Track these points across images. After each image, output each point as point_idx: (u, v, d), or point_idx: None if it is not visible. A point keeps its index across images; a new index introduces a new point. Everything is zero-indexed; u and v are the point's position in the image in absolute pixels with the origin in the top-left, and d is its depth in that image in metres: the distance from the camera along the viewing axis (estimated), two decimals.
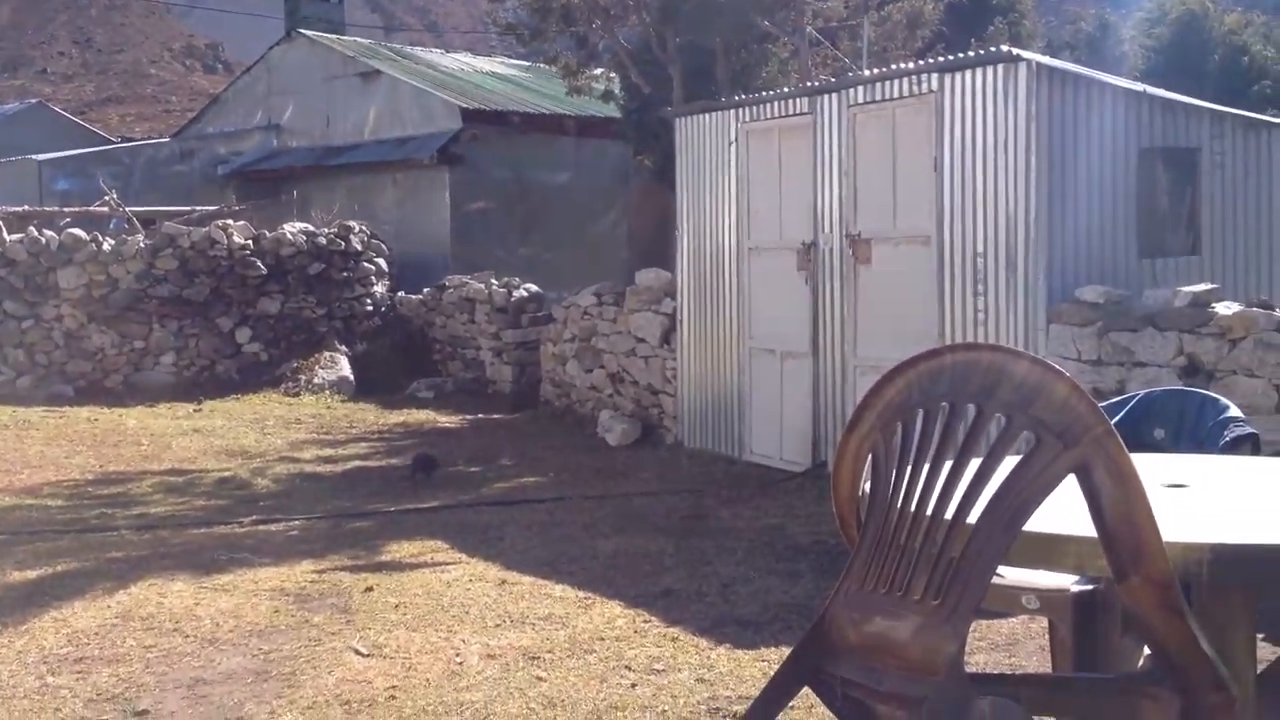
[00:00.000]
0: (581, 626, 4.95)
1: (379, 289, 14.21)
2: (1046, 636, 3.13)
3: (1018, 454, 1.97)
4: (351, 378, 12.73)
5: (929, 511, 1.99)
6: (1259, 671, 2.04)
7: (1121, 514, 1.83)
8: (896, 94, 7.61)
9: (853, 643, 2.08)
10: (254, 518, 7.12)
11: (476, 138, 16.66)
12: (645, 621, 5.02)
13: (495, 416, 11.26)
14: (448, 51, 24.51)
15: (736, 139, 8.81)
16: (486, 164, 16.63)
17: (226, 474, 8.52)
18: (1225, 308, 6.28)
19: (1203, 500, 2.30)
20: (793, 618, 5.01)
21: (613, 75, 14.92)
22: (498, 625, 4.99)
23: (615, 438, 9.70)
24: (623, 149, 15.89)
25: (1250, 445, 2.90)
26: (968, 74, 7.17)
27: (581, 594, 5.42)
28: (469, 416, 11.21)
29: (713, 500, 7.58)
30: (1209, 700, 1.79)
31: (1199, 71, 19.31)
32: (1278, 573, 1.94)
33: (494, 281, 12.91)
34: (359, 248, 14.09)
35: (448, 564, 6.03)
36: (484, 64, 22.13)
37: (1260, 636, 3.52)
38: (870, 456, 2.18)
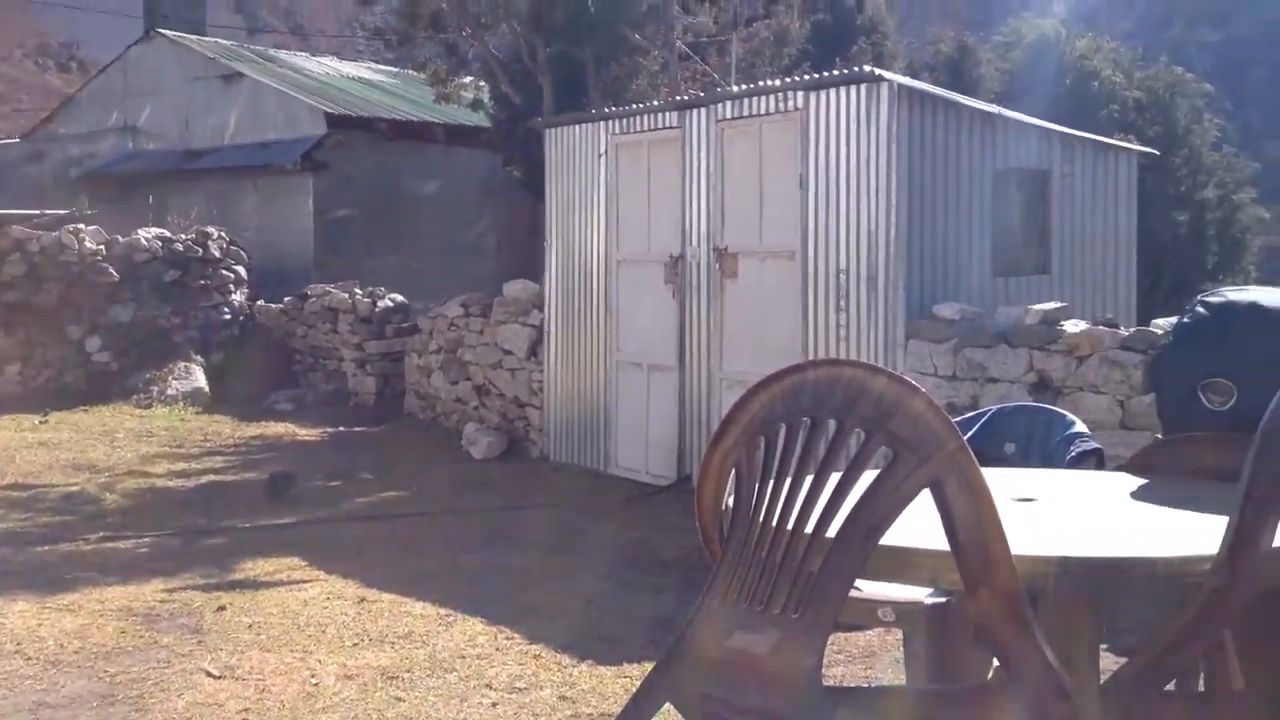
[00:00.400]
0: (442, 645, 4.88)
1: (238, 297, 13.87)
2: (902, 648, 3.18)
3: (876, 468, 1.99)
4: (207, 389, 12.39)
5: (790, 525, 2.01)
6: (1102, 681, 2.09)
7: (973, 528, 1.86)
8: (763, 110, 7.71)
9: (714, 657, 2.09)
10: (101, 534, 6.87)
11: (342, 144, 16.40)
12: (507, 639, 4.97)
13: (357, 429, 11.08)
14: (314, 55, 24.09)
15: (606, 151, 8.83)
16: (352, 171, 16.37)
17: (73, 489, 8.20)
18: (1073, 326, 6.49)
19: (1050, 514, 2.36)
20: (656, 633, 5.02)
21: (482, 84, 14.83)
22: (355, 644, 4.89)
23: (480, 451, 9.62)
24: (492, 158, 15.79)
25: (1095, 460, 2.99)
26: (832, 93, 7.30)
27: (442, 611, 5.35)
28: (330, 429, 11.00)
29: (578, 514, 7.57)
30: (1054, 710, 1.84)
31: (1052, 95, 20.01)
32: (1120, 584, 1.99)
33: (358, 291, 12.71)
34: (217, 254, 13.73)
35: (304, 582, 5.89)
36: (351, 69, 21.80)
37: (1104, 647, 3.63)
38: (734, 471, 2.19)
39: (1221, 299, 2.77)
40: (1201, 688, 2.66)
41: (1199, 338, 2.74)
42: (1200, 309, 2.78)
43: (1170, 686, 2.37)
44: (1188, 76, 26.20)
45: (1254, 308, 2.70)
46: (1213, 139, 25.96)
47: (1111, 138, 10.19)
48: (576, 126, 9.19)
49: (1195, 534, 2.06)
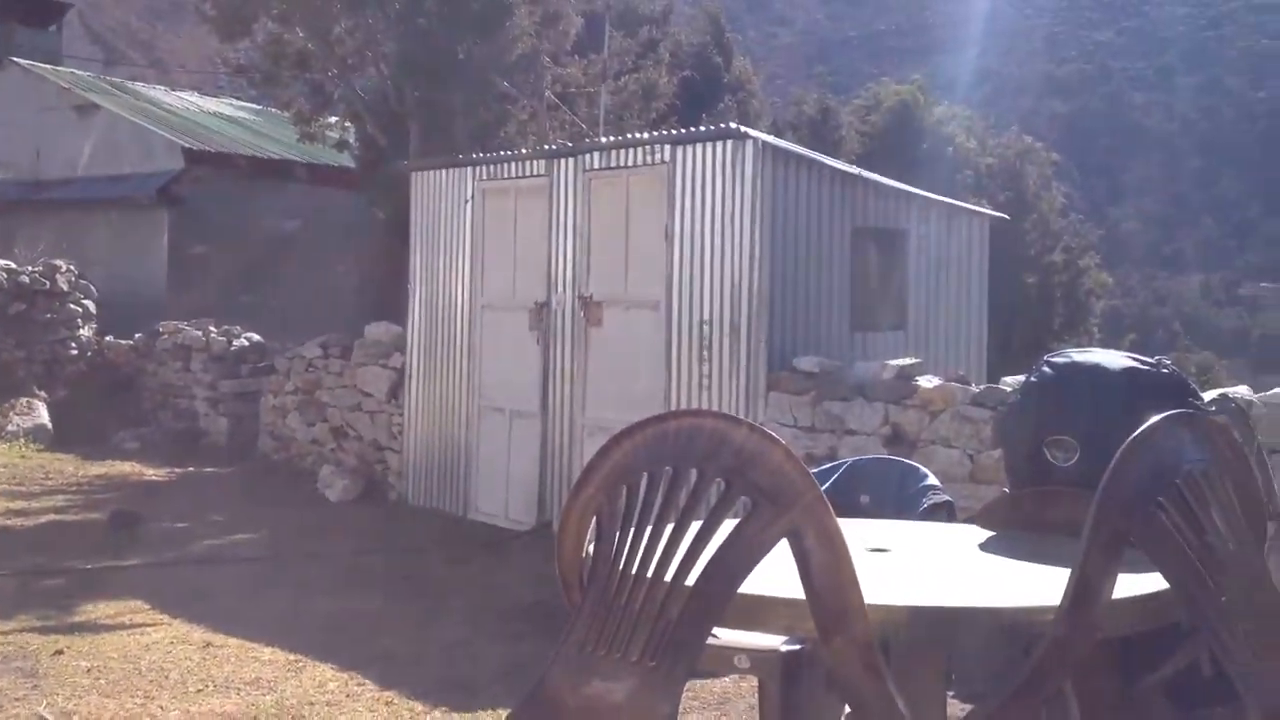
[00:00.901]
0: (290, 691, 4.76)
1: (85, 332, 13.41)
2: (756, 695, 3.21)
3: (736, 518, 2.02)
4: (50, 426, 11.92)
5: (649, 574, 2.02)
6: None
7: (828, 577, 1.90)
8: (631, 162, 7.80)
9: (570, 705, 2.08)
10: None
11: (200, 180, 16.04)
12: (359, 685, 4.87)
13: (208, 470, 10.77)
14: (173, 89, 23.55)
15: (473, 197, 8.81)
16: (210, 207, 16.00)
17: None
18: (927, 381, 6.67)
19: (902, 564, 2.42)
20: (513, 680, 4.97)
21: (348, 124, 14.70)
22: (200, 690, 4.74)
23: (336, 494, 9.44)
24: (356, 199, 15.62)
25: (946, 512, 3.07)
26: (699, 147, 7.41)
27: (292, 657, 5.22)
28: (179, 469, 10.68)
29: (435, 559, 7.47)
30: None
31: (909, 158, 20.66)
32: (967, 633, 2.05)
33: (213, 329, 12.41)
34: (65, 288, 13.27)
35: (148, 625, 5.70)
36: (212, 104, 21.38)
37: (950, 694, 3.71)
38: (595, 518, 2.19)
39: (1066, 359, 2.88)
40: None
41: (1044, 396, 2.85)
42: (1046, 368, 2.89)
43: None
44: (1037, 145, 27.30)
45: (1096, 369, 2.81)
46: (1060, 205, 27.05)
47: (965, 201, 10.54)
48: (443, 171, 9.16)
49: (1039, 585, 2.12)
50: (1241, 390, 5.77)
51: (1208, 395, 4.35)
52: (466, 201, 8.85)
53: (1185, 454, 2.12)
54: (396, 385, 9.55)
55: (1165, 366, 2.82)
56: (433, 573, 7.09)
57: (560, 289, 8.17)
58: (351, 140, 14.70)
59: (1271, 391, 5.53)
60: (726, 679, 4.81)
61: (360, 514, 8.99)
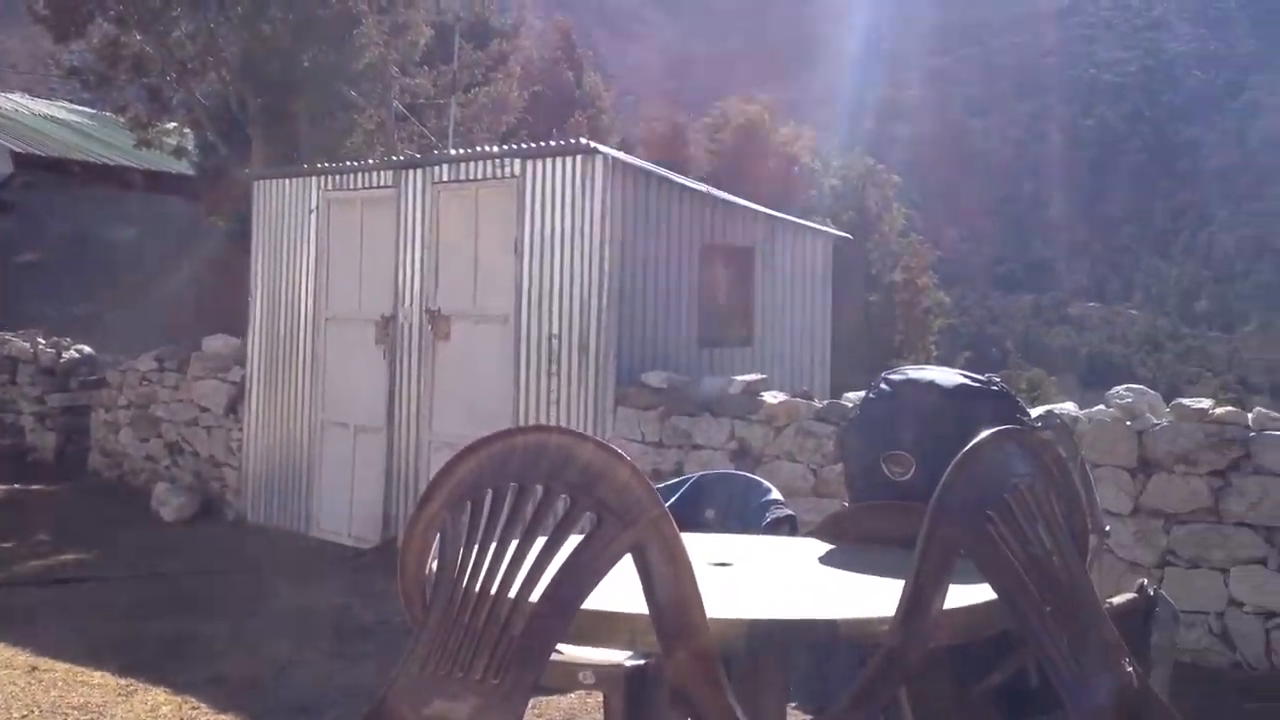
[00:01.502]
0: (121, 716, 4.59)
1: None
2: (601, 711, 3.22)
3: (581, 534, 2.02)
4: None
5: (493, 591, 2.01)
6: None
7: (671, 592, 1.91)
8: (480, 175, 7.76)
9: None
10: None
11: (30, 185, 15.39)
12: (194, 709, 4.73)
13: (35, 487, 10.33)
14: (2, 91, 22.59)
15: (318, 207, 8.66)
16: (40, 214, 15.36)
17: None
18: (772, 397, 6.79)
19: (744, 578, 2.45)
20: (353, 702, 4.88)
21: (187, 131, 14.30)
22: (24, 716, 4.54)
23: (171, 512, 9.15)
24: (195, 208, 15.19)
25: (788, 526, 3.13)
26: (549, 162, 7.42)
27: (123, 681, 5.03)
28: (3, 486, 10.22)
29: (275, 578, 7.29)
30: None
31: (756, 177, 21.00)
32: (807, 646, 2.09)
33: (41, 341, 11.92)
34: None
35: None
36: (43, 107, 20.56)
37: (791, 705, 3.77)
38: (439, 535, 2.17)
39: (902, 376, 2.97)
40: None
41: (881, 412, 2.92)
42: (884, 385, 2.97)
43: None
44: (879, 167, 28.03)
45: (930, 385, 2.90)
46: (900, 226, 27.82)
47: (810, 220, 10.76)
48: (287, 180, 8.98)
49: (875, 596, 2.18)
50: (1068, 407, 6.01)
51: (1035, 411, 4.52)
52: (311, 212, 8.70)
53: (1013, 469, 2.19)
54: (236, 399, 9.31)
55: (995, 384, 2.92)
56: (272, 592, 6.92)
57: (407, 302, 8.08)
58: (191, 147, 14.29)
59: (1096, 408, 5.77)
60: (572, 695, 4.80)
61: (197, 533, 8.73)
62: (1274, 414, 5.41)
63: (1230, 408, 5.50)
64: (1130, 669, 2.22)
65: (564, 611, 1.95)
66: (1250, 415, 5.38)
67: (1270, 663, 5.18)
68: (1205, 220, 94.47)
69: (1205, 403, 5.55)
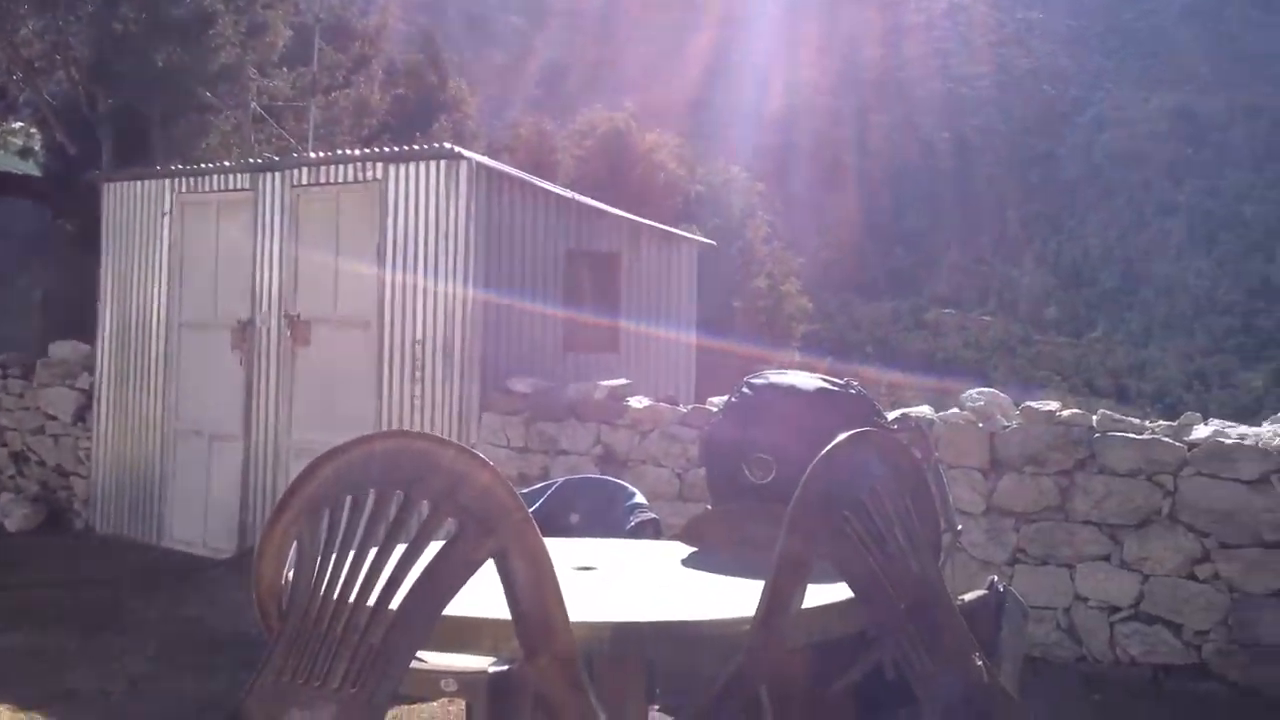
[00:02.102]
0: None
1: None
2: (464, 718, 3.19)
3: (442, 540, 2.00)
4: None
5: (351, 599, 1.98)
6: None
7: (533, 596, 1.91)
8: (342, 179, 7.64)
9: None
10: None
11: None
12: None
13: None
14: None
15: (171, 210, 8.43)
16: None
17: None
18: (638, 402, 6.82)
19: (608, 581, 2.46)
20: (207, 716, 4.76)
21: (34, 131, 13.80)
22: None
23: (15, 523, 8.81)
24: (42, 210, 14.66)
25: (652, 529, 3.15)
26: (412, 166, 7.34)
27: None
28: None
29: (126, 590, 7.06)
30: None
31: (622, 184, 21.10)
32: (669, 646, 2.10)
33: None
34: None
35: None
36: None
37: (655, 708, 3.79)
38: (296, 543, 2.13)
39: (764, 380, 3.01)
40: None
41: (744, 416, 2.96)
42: (746, 389, 3.00)
43: None
44: (743, 175, 28.37)
45: (791, 389, 2.94)
46: (764, 233, 28.20)
47: (675, 227, 10.84)
48: (139, 183, 8.72)
49: (736, 598, 2.20)
50: (923, 410, 6.17)
51: (892, 415, 4.62)
52: (164, 214, 8.46)
53: (869, 470, 2.24)
54: (84, 407, 9.00)
55: (853, 387, 2.98)
56: (122, 605, 6.70)
57: (265, 307, 7.91)
58: (38, 148, 13.80)
59: (950, 411, 5.93)
60: (434, 703, 4.75)
61: (43, 544, 8.41)
62: (1117, 416, 5.63)
63: (1076, 410, 5.70)
64: (981, 663, 2.28)
65: (425, 619, 1.93)
66: (1095, 417, 5.58)
67: (1114, 655, 5.38)
68: (1055, 230, 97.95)
69: (1053, 405, 5.74)
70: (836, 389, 2.94)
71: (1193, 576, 5.23)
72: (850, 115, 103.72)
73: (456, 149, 7.46)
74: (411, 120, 15.34)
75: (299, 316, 7.76)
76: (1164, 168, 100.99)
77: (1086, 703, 5.06)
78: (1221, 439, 5.24)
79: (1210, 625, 5.18)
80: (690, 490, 6.38)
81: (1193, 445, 5.28)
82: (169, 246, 8.43)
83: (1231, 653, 5.12)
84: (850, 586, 2.14)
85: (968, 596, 2.75)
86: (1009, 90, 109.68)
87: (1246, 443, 5.17)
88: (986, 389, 6.06)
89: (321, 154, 8.70)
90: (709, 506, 3.17)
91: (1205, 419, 5.55)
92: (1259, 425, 5.40)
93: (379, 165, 7.48)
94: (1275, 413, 5.51)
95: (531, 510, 2.46)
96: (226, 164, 8.96)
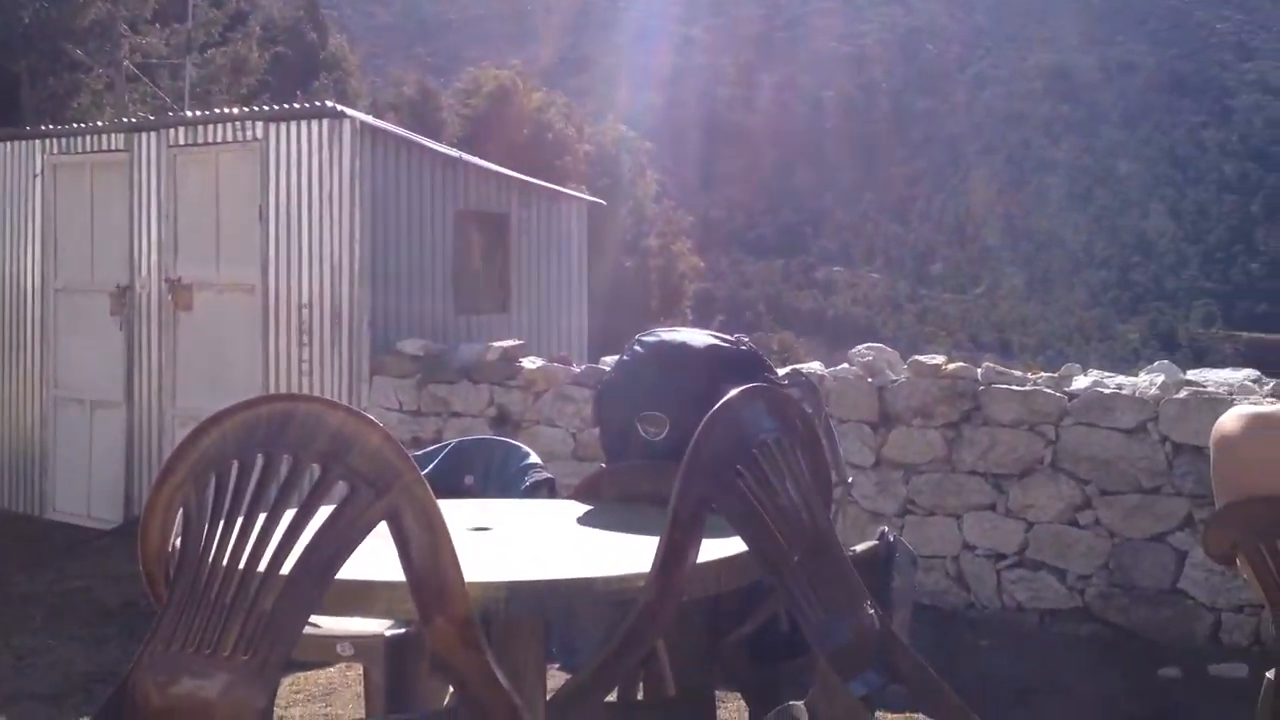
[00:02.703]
0: None
1: None
2: (363, 683, 3.17)
3: (333, 504, 1.98)
4: None
5: (241, 565, 1.95)
6: (549, 698, 2.20)
7: (427, 558, 1.90)
8: (221, 139, 7.45)
9: (158, 707, 1.97)
10: None
11: None
12: None
13: None
14: None
15: (43, 171, 8.15)
16: None
17: None
18: (531, 363, 6.79)
19: (503, 541, 2.45)
20: (96, 687, 4.66)
21: None
22: None
23: None
24: None
25: (547, 489, 3.15)
26: (293, 125, 7.19)
27: None
28: None
29: (7, 564, 6.87)
30: None
31: (511, 142, 20.93)
32: (565, 605, 2.11)
33: None
34: None
35: None
36: None
37: (555, 666, 3.81)
38: (182, 511, 2.09)
39: (655, 338, 3.02)
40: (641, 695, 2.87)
41: (635, 374, 2.97)
42: (637, 347, 3.01)
43: (612, 697, 2.54)
44: (631, 134, 28.35)
45: (683, 347, 2.96)
46: (654, 192, 28.24)
47: (565, 186, 10.79)
48: (7, 144, 8.41)
49: (632, 554, 2.21)
50: (814, 366, 6.25)
51: (782, 371, 4.68)
52: (35, 176, 8.18)
53: (760, 425, 2.27)
54: None
55: (743, 344, 3.01)
56: (6, 578, 6.52)
57: (145, 271, 7.71)
58: None
59: (840, 366, 6.02)
60: (333, 669, 4.72)
61: None
62: (1001, 369, 5.76)
63: (961, 364, 5.82)
64: (872, 612, 2.33)
65: (316, 583, 1.91)
66: (979, 370, 5.71)
67: (1001, 602, 5.53)
68: (939, 187, 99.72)
69: (939, 359, 5.85)
70: (727, 345, 2.96)
71: (1074, 523, 5.39)
72: (736, 74, 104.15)
73: (339, 107, 7.32)
74: (292, 79, 15.00)
75: (180, 280, 7.58)
76: (1042, 125, 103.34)
77: (975, 648, 5.20)
78: (1100, 389, 5.39)
79: (1092, 570, 5.35)
80: (585, 450, 6.39)
81: (1072, 396, 5.43)
82: (41, 210, 8.16)
83: (1112, 596, 5.30)
84: (743, 540, 2.16)
85: (859, 547, 2.81)
86: (892, 49, 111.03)
87: (1124, 392, 5.33)
88: (875, 344, 6.15)
89: (199, 113, 8.47)
90: (603, 465, 3.18)
91: (1085, 370, 5.71)
92: (1135, 375, 5.58)
93: (259, 124, 7.31)
94: (1151, 363, 5.69)
95: (425, 472, 2.44)
96: (100, 124, 8.67)
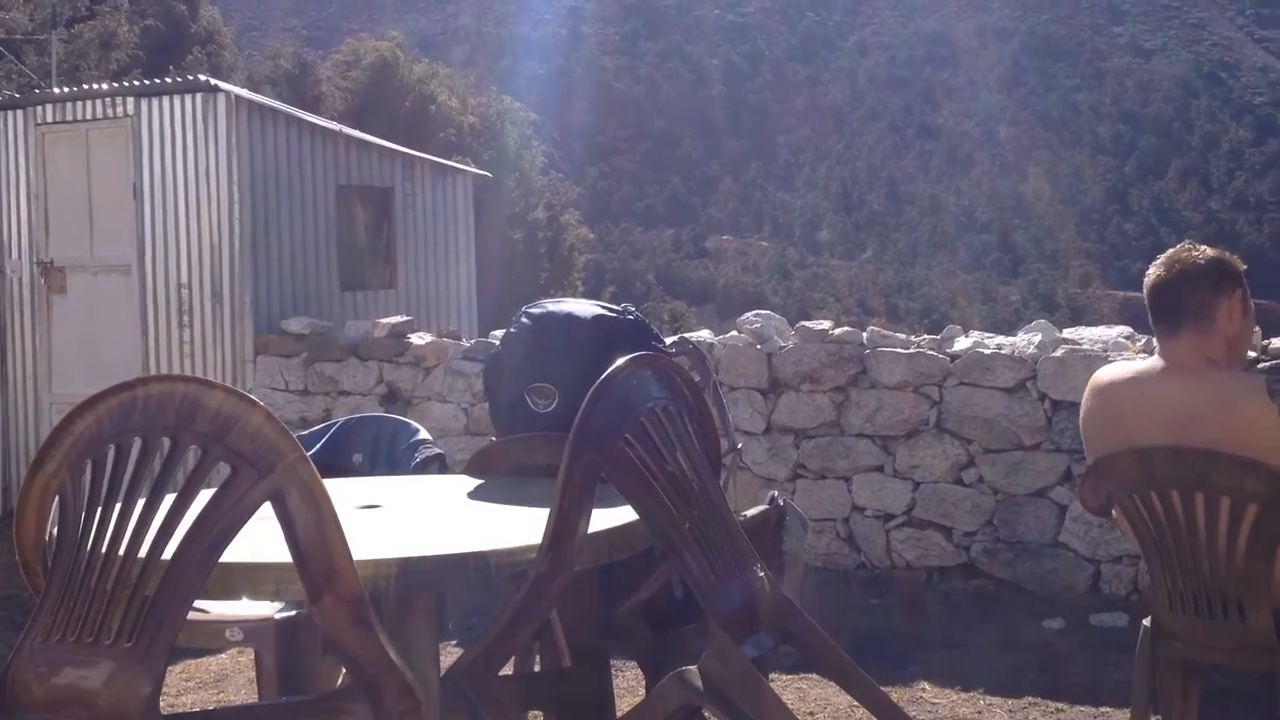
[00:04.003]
0: None
1: None
2: (254, 668, 3.13)
3: (215, 486, 1.94)
4: None
5: (121, 550, 1.90)
6: (443, 674, 2.19)
7: (314, 537, 1.87)
8: (90, 115, 7.23)
9: (40, 698, 1.92)
10: None
11: None
12: None
13: None
14: None
15: None
16: None
17: None
18: (420, 339, 6.73)
19: (393, 519, 2.43)
20: None
21: None
22: None
23: None
24: None
25: (438, 465, 3.12)
26: (166, 100, 7.01)
27: None
28: None
29: None
30: (398, 707, 1.89)
31: (393, 116, 20.62)
32: (457, 580, 2.10)
33: None
34: None
35: None
36: None
37: (452, 643, 3.79)
38: (58, 497, 2.03)
39: (542, 310, 3.00)
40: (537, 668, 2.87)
41: (522, 346, 2.95)
42: (524, 319, 3.00)
43: (509, 669, 2.54)
44: (516, 106, 28.12)
45: (569, 318, 2.95)
46: (541, 164, 28.09)
47: (450, 159, 10.68)
48: None
49: (525, 527, 2.21)
50: (703, 334, 6.29)
51: (670, 339, 4.70)
52: None
53: (648, 393, 2.27)
54: None
55: (631, 313, 3.01)
56: None
57: (14, 254, 7.46)
58: None
59: (729, 334, 6.07)
60: (224, 655, 4.64)
61: None
62: (886, 332, 5.86)
63: (847, 328, 5.91)
64: (763, 575, 2.36)
65: (199, 566, 1.87)
66: (865, 334, 5.80)
67: (890, 561, 5.65)
68: (823, 154, 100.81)
69: (825, 324, 5.93)
70: (614, 315, 2.96)
71: (959, 481, 5.52)
72: (620, 42, 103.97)
73: (213, 81, 7.15)
74: (163, 53, 14.59)
75: (53, 263, 7.35)
76: (923, 91, 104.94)
77: (867, 607, 5.30)
78: (981, 349, 5.52)
79: (977, 527, 5.49)
80: (476, 424, 6.36)
81: (955, 357, 5.55)
82: None
83: (997, 551, 5.44)
84: (634, 508, 2.17)
85: (750, 512, 2.83)
86: (774, 16, 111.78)
87: (1004, 352, 5.46)
88: (763, 311, 6.21)
89: (67, 90, 8.20)
90: (494, 439, 3.17)
91: (966, 332, 5.83)
92: (1015, 336, 5.71)
93: (130, 100, 7.10)
94: (1030, 323, 5.83)
95: (311, 452, 2.41)
96: None
